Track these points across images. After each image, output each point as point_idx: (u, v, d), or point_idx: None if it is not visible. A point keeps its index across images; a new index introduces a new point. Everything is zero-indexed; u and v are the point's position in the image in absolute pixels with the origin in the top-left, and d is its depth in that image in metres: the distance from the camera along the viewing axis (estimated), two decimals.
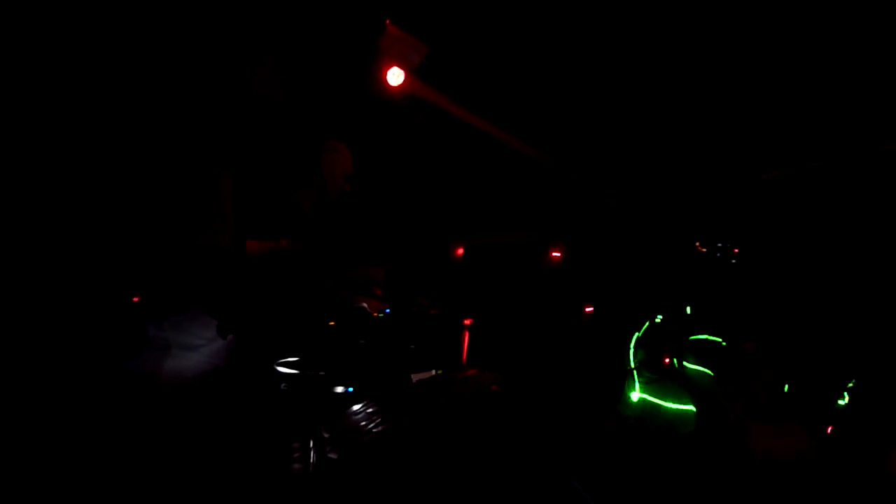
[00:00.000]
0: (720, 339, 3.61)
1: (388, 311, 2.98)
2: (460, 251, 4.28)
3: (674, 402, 3.47)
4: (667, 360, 3.53)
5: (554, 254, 4.55)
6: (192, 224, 2.47)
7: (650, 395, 3.54)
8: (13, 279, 2.51)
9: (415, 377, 2.76)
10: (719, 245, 4.60)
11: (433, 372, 2.89)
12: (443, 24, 3.72)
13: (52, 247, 2.61)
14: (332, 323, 2.60)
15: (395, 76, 3.65)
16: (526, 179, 4.63)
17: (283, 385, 2.32)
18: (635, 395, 3.55)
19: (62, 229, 2.66)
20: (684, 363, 3.53)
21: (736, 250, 4.56)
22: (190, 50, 3.17)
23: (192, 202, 2.48)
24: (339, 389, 2.36)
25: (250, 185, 2.83)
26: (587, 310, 4.56)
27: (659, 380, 3.52)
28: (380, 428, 2.27)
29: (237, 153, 2.92)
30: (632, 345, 3.71)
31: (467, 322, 3.47)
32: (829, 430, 3.08)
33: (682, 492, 2.96)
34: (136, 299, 2.57)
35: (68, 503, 1.96)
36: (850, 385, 3.17)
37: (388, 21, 3.57)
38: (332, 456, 2.23)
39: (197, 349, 2.32)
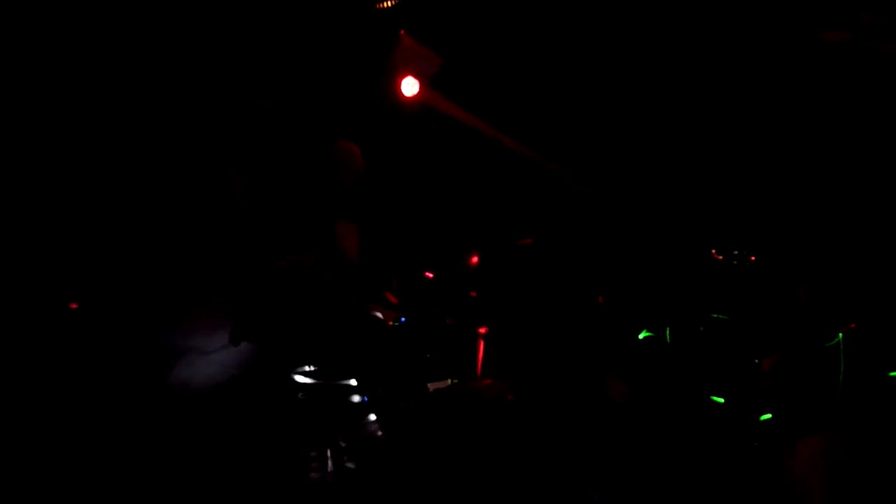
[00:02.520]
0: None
1: (402, 319, 2.99)
2: (475, 259, 4.27)
3: None
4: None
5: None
6: (206, 228, 2.47)
7: None
8: (21, 283, 2.53)
9: (431, 386, 2.77)
10: (735, 252, 4.52)
11: (448, 381, 2.89)
12: (458, 36, 3.74)
13: (62, 252, 2.63)
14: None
15: (410, 86, 3.68)
16: (534, 185, 4.61)
17: (300, 394, 2.34)
18: None
19: (73, 233, 2.69)
20: None
21: (752, 258, 4.48)
22: (199, 54, 3.20)
23: (205, 206, 2.48)
24: (356, 399, 2.38)
25: (262, 188, 2.84)
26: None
27: None
28: (396, 437, 2.29)
29: (248, 157, 2.94)
30: None
31: (482, 331, 3.47)
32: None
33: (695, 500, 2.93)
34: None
35: None
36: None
37: (402, 32, 3.60)
38: (350, 465, 2.24)
39: (210, 356, 2.33)
